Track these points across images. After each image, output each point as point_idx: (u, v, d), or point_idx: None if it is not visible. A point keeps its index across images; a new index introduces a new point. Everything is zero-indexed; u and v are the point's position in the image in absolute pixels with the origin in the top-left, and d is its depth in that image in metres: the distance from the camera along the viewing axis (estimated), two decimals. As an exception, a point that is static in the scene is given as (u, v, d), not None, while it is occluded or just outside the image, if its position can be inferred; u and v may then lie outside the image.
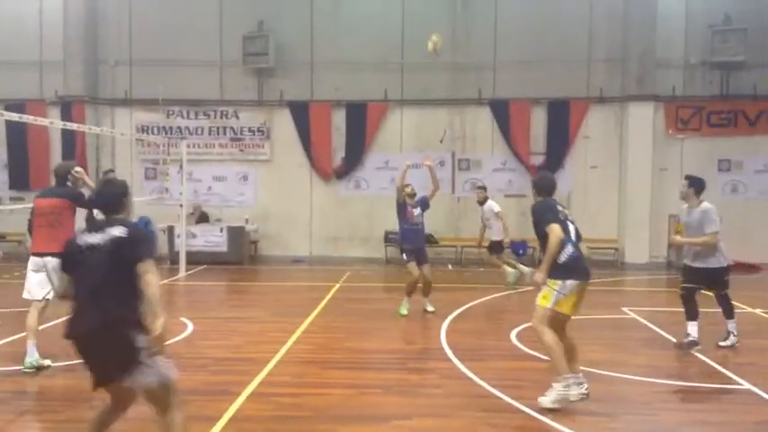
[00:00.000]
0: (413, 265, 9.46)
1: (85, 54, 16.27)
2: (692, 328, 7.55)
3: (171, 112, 16.59)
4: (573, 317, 5.58)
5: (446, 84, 16.21)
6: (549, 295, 5.45)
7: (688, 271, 7.68)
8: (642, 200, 15.53)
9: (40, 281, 6.75)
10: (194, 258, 14.35)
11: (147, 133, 16.16)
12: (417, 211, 9.64)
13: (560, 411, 5.46)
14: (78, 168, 7.22)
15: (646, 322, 9.19)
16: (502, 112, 16.02)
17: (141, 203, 12.88)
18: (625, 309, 10.12)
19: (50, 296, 6.63)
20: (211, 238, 15.06)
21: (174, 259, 14.58)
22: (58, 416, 5.51)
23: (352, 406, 5.70)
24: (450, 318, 9.20)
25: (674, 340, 7.94)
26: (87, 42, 16.31)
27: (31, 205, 8.90)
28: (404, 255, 9.63)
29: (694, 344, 7.49)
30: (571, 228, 5.64)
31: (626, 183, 15.72)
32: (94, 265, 3.83)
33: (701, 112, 15.83)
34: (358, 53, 16.04)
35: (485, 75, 16.15)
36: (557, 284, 5.40)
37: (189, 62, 16.15)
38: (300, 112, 16.39)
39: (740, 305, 10.55)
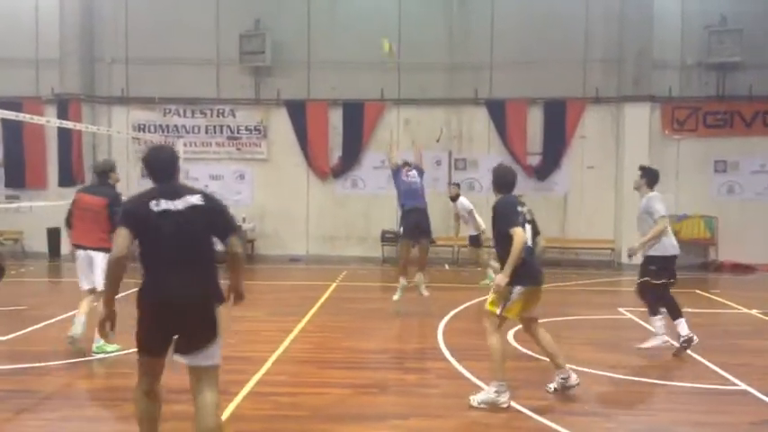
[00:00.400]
0: (405, 243, 9.59)
1: (82, 52, 16.23)
2: (682, 327, 7.30)
3: (167, 111, 16.57)
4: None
5: (443, 83, 16.23)
6: (498, 301, 5.52)
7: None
8: (638, 200, 15.50)
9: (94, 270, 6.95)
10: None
11: (144, 132, 16.13)
12: (413, 172, 9.67)
13: (556, 411, 5.48)
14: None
15: (642, 323, 9.19)
16: (498, 111, 16.05)
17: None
18: (621, 309, 10.16)
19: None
20: (208, 237, 15.06)
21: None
22: (55, 414, 5.50)
23: (349, 405, 5.71)
24: (446, 318, 9.21)
25: (672, 341, 7.96)
26: (83, 40, 16.28)
27: (30, 203, 8.86)
28: (401, 228, 9.69)
29: (690, 341, 7.23)
30: (528, 230, 5.63)
31: (622, 183, 15.74)
32: (181, 233, 3.79)
33: (698, 113, 15.88)
34: (355, 52, 16.03)
35: (481, 74, 16.17)
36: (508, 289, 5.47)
37: (185, 60, 16.13)
38: (297, 111, 16.38)
39: (736, 306, 10.64)
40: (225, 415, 5.30)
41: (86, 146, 16.24)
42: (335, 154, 16.55)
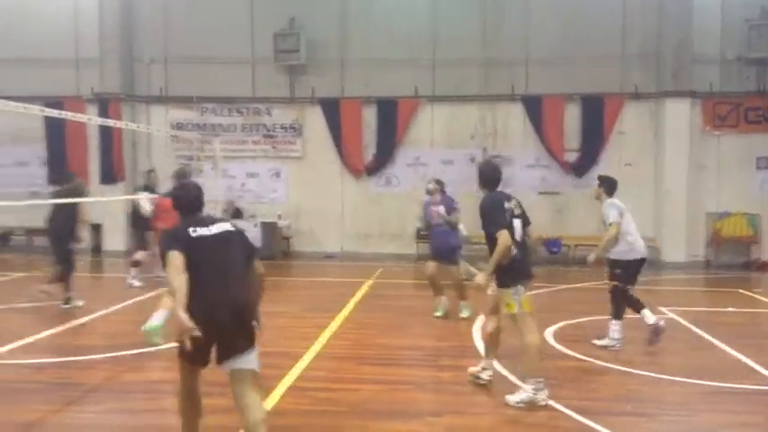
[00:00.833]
0: (430, 264, 9.34)
1: (121, 52, 16.53)
2: (648, 317, 7.44)
3: (205, 110, 16.78)
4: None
5: (477, 80, 16.11)
6: (512, 302, 5.63)
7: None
8: (679, 197, 15.26)
9: None
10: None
11: (182, 130, 16.37)
12: (441, 209, 9.18)
13: (596, 411, 5.42)
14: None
15: (684, 322, 9.05)
16: (535, 108, 15.88)
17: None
18: (662, 308, 9.95)
19: None
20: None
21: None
22: (99, 406, 5.64)
23: (385, 402, 5.73)
24: (482, 315, 9.14)
25: (713, 341, 7.82)
26: (123, 40, 16.57)
27: (73, 200, 9.13)
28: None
29: (658, 329, 7.37)
30: (517, 225, 5.71)
31: (662, 180, 15.47)
32: (219, 255, 4.15)
33: (739, 109, 15.50)
34: (389, 49, 16.03)
35: (517, 70, 16.01)
36: (511, 291, 5.61)
37: (222, 59, 16.30)
38: (331, 109, 16.45)
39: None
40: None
41: (126, 144, 16.57)
42: (369, 151, 16.57)
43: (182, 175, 8.36)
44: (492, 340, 6.07)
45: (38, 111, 7.88)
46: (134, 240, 12.85)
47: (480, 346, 7.55)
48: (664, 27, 15.43)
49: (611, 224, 7.37)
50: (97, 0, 16.40)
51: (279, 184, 16.92)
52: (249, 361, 4.12)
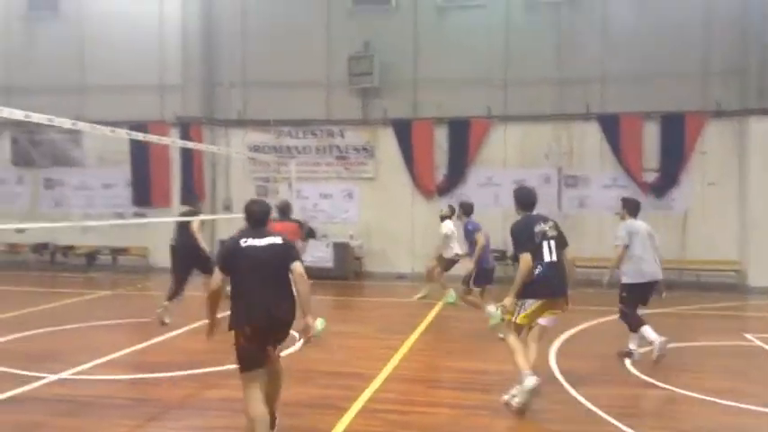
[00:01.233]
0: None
1: (202, 77, 17.18)
2: (632, 341, 7.79)
3: (281, 132, 17.20)
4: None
5: (551, 98, 15.88)
6: (512, 311, 6.06)
7: None
8: (765, 219, 14.52)
9: None
10: (301, 273, 14.70)
11: (259, 152, 16.82)
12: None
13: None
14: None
15: (772, 350, 8.57)
16: (611, 127, 15.50)
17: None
18: (748, 335, 9.47)
19: None
20: (318, 254, 15.39)
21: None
22: (179, 423, 5.80)
23: (461, 427, 5.66)
24: (559, 340, 8.93)
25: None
26: (204, 66, 17.22)
27: (156, 219, 9.56)
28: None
29: (630, 354, 7.69)
30: (546, 247, 6.01)
31: (747, 201, 14.78)
32: (263, 265, 4.81)
33: (827, 126, 14.69)
34: (461, 69, 16.03)
35: (592, 88, 15.68)
36: (518, 301, 6.01)
37: (297, 83, 16.70)
38: (403, 130, 16.54)
39: None
40: (337, 430, 5.40)
41: (206, 166, 17.16)
42: (440, 172, 16.56)
43: (285, 207, 9.38)
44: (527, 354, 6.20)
45: (125, 134, 8.25)
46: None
47: (557, 369, 7.38)
48: (748, 42, 14.82)
49: (616, 246, 7.78)
50: (180, 29, 17.13)
51: (351, 204, 17.10)
52: (280, 349, 5.06)
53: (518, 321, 6.07)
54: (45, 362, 7.48)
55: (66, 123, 6.67)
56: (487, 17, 16.26)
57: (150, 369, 7.42)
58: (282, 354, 4.92)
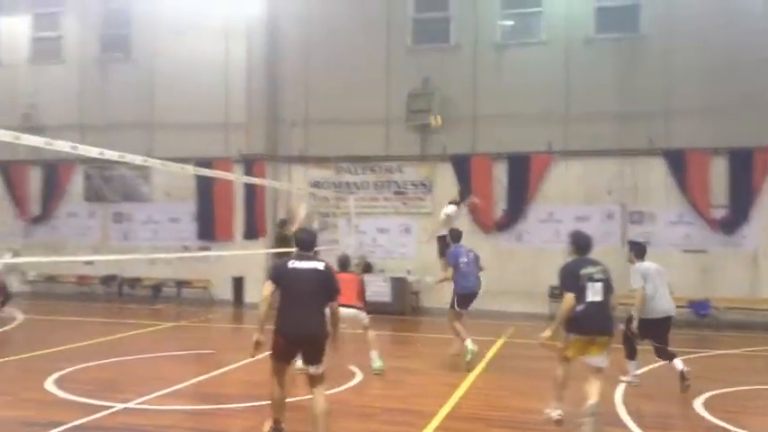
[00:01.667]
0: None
1: (266, 115, 17.66)
2: (631, 367, 8.40)
3: (341, 169, 17.44)
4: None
5: (613, 133, 15.62)
6: (561, 342, 6.50)
7: None
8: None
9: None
10: (359, 307, 14.73)
11: (319, 188, 17.08)
12: (472, 254, 10.55)
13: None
14: None
15: None
16: (677, 162, 15.11)
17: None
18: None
19: None
20: (375, 288, 15.38)
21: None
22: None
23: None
24: (623, 382, 8.62)
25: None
26: (267, 105, 17.71)
27: (219, 253, 9.78)
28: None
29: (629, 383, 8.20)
30: (592, 288, 6.28)
31: (822, 238, 14.12)
32: (303, 285, 5.58)
33: None
34: (521, 105, 15.97)
35: (656, 122, 15.38)
36: (564, 335, 6.43)
37: (357, 120, 16.95)
38: (462, 166, 16.53)
39: None
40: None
41: (268, 201, 17.52)
42: (500, 207, 16.43)
43: (344, 260, 9.51)
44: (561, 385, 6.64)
45: (192, 170, 8.54)
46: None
47: (623, 412, 7.13)
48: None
49: (635, 289, 8.05)
50: (245, 69, 17.70)
51: (408, 239, 17.11)
52: (317, 368, 5.59)
53: (566, 354, 6.47)
54: (111, 391, 7.68)
55: (137, 160, 6.96)
56: (547, 53, 16.24)
57: (212, 400, 7.53)
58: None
